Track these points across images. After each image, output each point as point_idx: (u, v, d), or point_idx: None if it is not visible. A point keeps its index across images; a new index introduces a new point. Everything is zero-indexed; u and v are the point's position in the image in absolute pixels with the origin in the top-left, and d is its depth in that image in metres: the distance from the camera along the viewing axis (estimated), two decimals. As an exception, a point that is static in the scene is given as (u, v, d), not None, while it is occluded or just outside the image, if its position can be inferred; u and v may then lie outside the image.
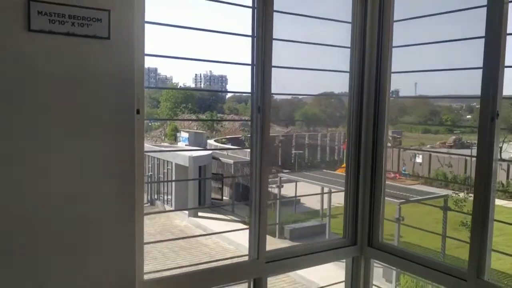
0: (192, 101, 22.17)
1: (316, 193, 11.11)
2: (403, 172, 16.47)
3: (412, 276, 2.41)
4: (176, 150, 13.26)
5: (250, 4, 2.16)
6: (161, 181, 13.45)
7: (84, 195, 1.70)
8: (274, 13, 2.17)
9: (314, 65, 2.58)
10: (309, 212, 13.09)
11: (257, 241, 2.26)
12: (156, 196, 14.13)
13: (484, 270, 2.07)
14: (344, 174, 2.69)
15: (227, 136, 15.11)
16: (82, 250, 1.71)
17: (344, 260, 2.74)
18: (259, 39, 2.16)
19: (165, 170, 13.73)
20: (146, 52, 1.83)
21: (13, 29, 1.51)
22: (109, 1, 1.67)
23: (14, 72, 1.53)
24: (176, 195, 12.97)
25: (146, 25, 1.84)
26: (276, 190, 11.49)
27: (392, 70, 2.51)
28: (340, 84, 2.66)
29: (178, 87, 19.75)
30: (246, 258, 2.28)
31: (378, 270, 6.01)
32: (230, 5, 2.13)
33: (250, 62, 2.19)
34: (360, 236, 2.63)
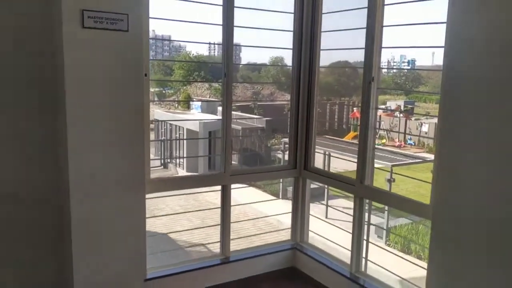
0: (206, 69, 23.20)
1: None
2: (408, 140, 17.53)
3: (334, 187, 3.69)
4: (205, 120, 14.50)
5: None
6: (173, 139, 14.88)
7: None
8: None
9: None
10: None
11: (224, 161, 3.62)
12: (169, 160, 15.67)
13: (364, 179, 3.39)
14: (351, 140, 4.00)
15: (237, 104, 16.40)
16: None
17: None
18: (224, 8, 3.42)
19: (177, 135, 15.21)
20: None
21: (75, 26, 2.83)
22: (127, 8, 2.96)
23: (79, 50, 2.86)
24: (187, 159, 14.45)
25: (150, 19, 3.15)
26: (281, 155, 12.87)
27: (321, 48, 3.79)
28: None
29: (191, 55, 20.90)
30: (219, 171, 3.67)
31: (371, 228, 7.30)
32: None
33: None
34: (299, 163, 3.98)
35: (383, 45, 3.29)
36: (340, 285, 3.58)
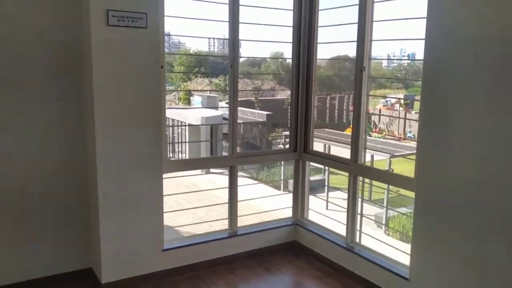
0: (206, 65, 23.56)
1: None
2: (408, 133, 17.98)
3: (331, 167, 4.18)
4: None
5: None
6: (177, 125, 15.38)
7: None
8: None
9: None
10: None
11: (231, 144, 4.09)
12: (171, 155, 16.14)
13: (358, 158, 3.86)
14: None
15: (239, 99, 16.82)
16: (134, 138, 3.56)
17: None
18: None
19: (179, 130, 15.67)
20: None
21: (102, 25, 3.29)
22: (146, 7, 3.42)
23: (105, 44, 3.32)
24: (190, 152, 14.93)
25: (165, 17, 3.61)
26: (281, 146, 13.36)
27: (318, 42, 4.26)
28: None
29: (191, 51, 21.32)
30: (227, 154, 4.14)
31: (369, 220, 7.75)
32: None
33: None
34: (299, 146, 4.45)
35: (373, 38, 3.75)
36: (337, 254, 4.05)
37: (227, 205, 4.25)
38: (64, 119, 3.55)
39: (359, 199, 4.06)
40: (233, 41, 3.96)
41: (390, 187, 9.64)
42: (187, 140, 15.25)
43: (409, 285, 3.35)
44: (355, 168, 3.91)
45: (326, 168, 11.99)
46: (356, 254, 3.87)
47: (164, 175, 3.73)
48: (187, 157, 14.99)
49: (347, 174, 4.00)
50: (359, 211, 4.04)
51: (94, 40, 3.27)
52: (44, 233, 3.60)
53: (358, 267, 3.83)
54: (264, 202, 5.48)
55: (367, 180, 5.65)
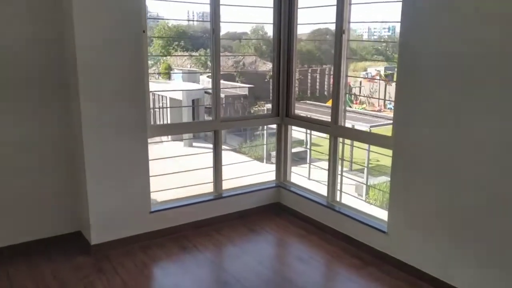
0: (185, 39, 23.29)
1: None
2: (388, 105, 18.27)
3: (313, 130, 4.34)
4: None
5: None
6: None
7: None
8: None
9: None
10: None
11: (215, 109, 4.19)
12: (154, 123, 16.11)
13: (337, 121, 4.01)
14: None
15: (221, 73, 16.82)
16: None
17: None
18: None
19: (160, 104, 15.63)
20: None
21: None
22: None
23: (86, 10, 3.33)
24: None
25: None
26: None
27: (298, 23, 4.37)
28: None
29: (170, 25, 21.09)
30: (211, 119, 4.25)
31: (351, 187, 8.01)
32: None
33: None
34: (281, 111, 4.58)
35: (352, 2, 3.86)
36: (319, 213, 4.24)
37: (211, 170, 4.37)
38: (51, 94, 3.60)
39: (339, 160, 4.22)
40: (214, 6, 4.01)
41: (370, 157, 9.93)
42: (168, 114, 15.27)
43: (387, 238, 3.56)
44: (336, 130, 4.06)
45: (308, 140, 12.22)
46: (337, 212, 4.06)
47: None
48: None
49: (328, 146, 4.15)
50: (339, 172, 4.21)
51: (75, 6, 3.28)
52: (33, 198, 3.68)
53: (339, 224, 4.03)
54: (248, 172, 5.64)
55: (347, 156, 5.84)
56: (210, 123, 4.27)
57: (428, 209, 3.20)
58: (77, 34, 3.31)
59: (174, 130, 4.32)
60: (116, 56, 3.51)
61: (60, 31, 3.55)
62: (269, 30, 4.46)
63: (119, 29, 3.50)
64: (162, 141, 16.31)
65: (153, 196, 4.00)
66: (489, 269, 2.88)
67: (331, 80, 3.87)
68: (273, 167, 4.86)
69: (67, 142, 3.74)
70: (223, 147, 4.40)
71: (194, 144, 15.12)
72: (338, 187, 4.25)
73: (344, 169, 4.71)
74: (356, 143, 4.59)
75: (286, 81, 4.51)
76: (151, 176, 3.90)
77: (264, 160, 13.36)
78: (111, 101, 3.55)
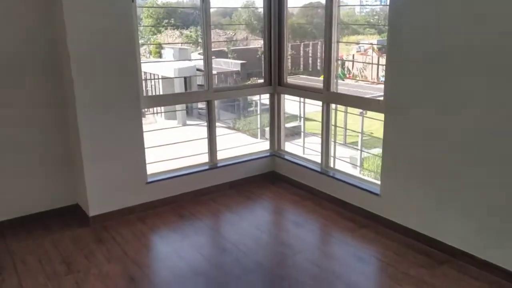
0: (175, 16, 22.98)
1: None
2: (381, 78, 18.27)
3: (306, 97, 4.39)
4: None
5: None
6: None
7: (109, 45, 3.56)
8: None
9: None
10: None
11: (207, 79, 4.21)
12: (146, 109, 16.04)
13: (329, 87, 4.04)
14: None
15: (212, 50, 16.67)
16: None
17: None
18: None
19: (152, 83, 15.52)
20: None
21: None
22: None
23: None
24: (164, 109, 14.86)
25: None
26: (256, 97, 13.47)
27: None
28: None
29: (159, 2, 20.74)
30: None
31: (345, 160, 8.07)
32: None
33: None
34: (273, 80, 4.60)
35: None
36: (313, 179, 4.32)
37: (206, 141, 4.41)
38: (42, 74, 3.61)
39: (332, 127, 4.27)
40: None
41: (364, 129, 9.99)
42: (161, 90, 15.18)
43: (380, 200, 3.65)
44: (328, 96, 4.10)
45: (302, 112, 12.23)
46: (331, 177, 4.14)
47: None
48: (162, 114, 14.97)
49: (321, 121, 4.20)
50: (332, 139, 4.27)
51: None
52: (30, 171, 3.72)
53: (333, 189, 4.11)
54: (242, 143, 5.68)
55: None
56: (203, 93, 4.29)
57: (419, 173, 3.28)
58: (65, 6, 3.29)
59: (167, 100, 4.35)
60: (106, 27, 3.50)
61: (48, 2, 3.52)
62: (260, 5, 4.43)
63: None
64: (156, 122, 16.35)
65: (149, 168, 4.04)
66: (475, 222, 2.97)
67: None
68: (267, 143, 4.89)
69: (62, 116, 3.75)
70: (217, 124, 4.43)
71: (188, 122, 15.12)
72: (332, 154, 4.31)
73: (340, 142, 4.76)
74: (350, 109, 4.65)
75: (278, 56, 4.52)
76: (147, 148, 3.94)
77: (259, 136, 13.45)
78: (103, 72, 3.55)
